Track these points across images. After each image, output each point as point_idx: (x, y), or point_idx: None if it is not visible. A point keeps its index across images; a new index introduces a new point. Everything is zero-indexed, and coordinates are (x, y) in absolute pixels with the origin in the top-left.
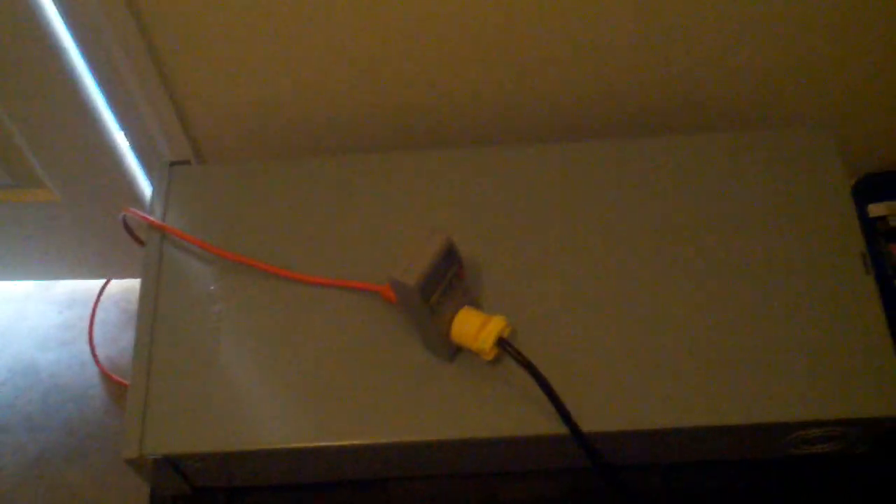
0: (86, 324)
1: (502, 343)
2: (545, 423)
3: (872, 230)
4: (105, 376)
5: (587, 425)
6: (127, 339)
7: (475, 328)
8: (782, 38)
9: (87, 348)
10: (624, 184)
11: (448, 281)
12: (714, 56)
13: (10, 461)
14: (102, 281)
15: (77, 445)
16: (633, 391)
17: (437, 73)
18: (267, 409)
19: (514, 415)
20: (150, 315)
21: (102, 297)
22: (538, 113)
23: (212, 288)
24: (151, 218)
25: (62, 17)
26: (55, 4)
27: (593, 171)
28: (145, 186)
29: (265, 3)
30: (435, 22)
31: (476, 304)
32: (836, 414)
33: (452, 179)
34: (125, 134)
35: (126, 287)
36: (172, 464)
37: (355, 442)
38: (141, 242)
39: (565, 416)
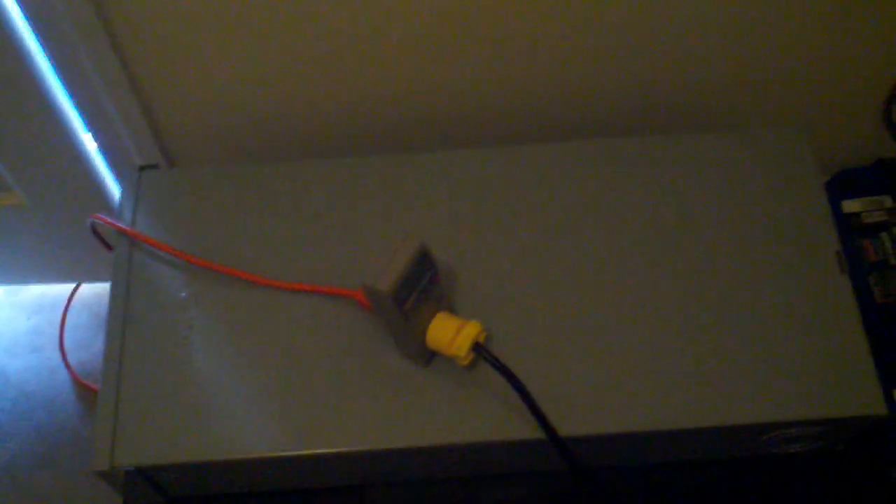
0: (56, 329)
1: (478, 348)
2: (522, 428)
3: (846, 226)
4: (76, 382)
5: (564, 429)
6: (98, 343)
7: (450, 334)
8: (754, 40)
9: (57, 354)
10: (597, 186)
11: (423, 286)
12: (686, 58)
13: None
14: (72, 285)
15: (48, 452)
16: (609, 394)
17: (408, 77)
18: (241, 418)
19: (492, 420)
20: (120, 323)
21: (73, 302)
22: (509, 114)
23: (183, 294)
24: (120, 224)
25: (27, 20)
26: (20, 7)
27: (567, 172)
28: (115, 190)
29: (235, 5)
30: (411, 20)
31: (451, 309)
32: (813, 414)
33: (427, 183)
34: (93, 137)
35: (97, 291)
36: (144, 475)
37: (331, 450)
38: (110, 248)
39: (542, 420)
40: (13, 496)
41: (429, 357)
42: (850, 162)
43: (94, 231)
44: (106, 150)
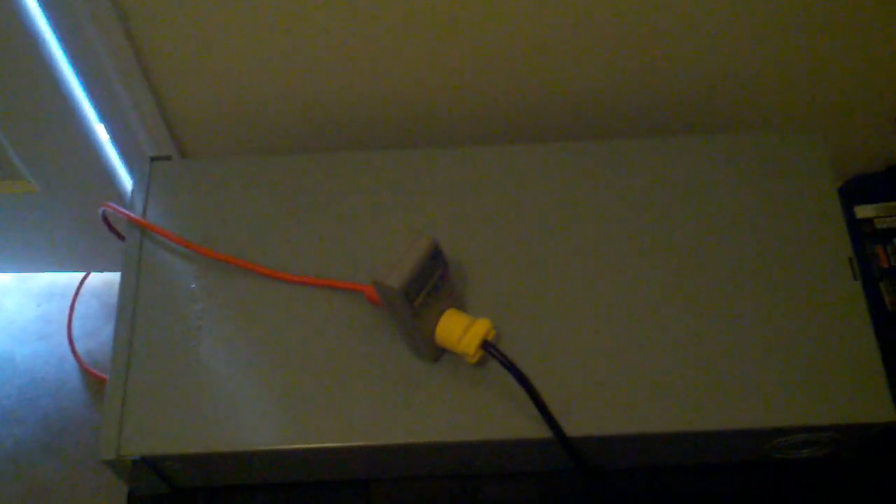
0: (64, 317)
1: (486, 346)
2: (529, 427)
3: (859, 232)
4: (84, 370)
5: (571, 429)
6: (107, 332)
7: (459, 331)
8: (769, 41)
9: (65, 342)
10: (611, 186)
11: (433, 283)
12: (701, 59)
13: None
14: (82, 274)
15: (54, 440)
16: (617, 395)
17: (423, 70)
18: (248, 410)
19: (498, 418)
20: (130, 313)
21: (82, 290)
22: (525, 112)
23: (193, 286)
24: (131, 214)
25: (42, 8)
26: None
27: (580, 172)
28: (126, 180)
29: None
30: (421, 18)
31: (461, 307)
32: (821, 420)
33: (439, 179)
34: (106, 127)
35: (106, 280)
36: (151, 464)
37: (337, 444)
38: (121, 237)
39: (550, 420)
40: (17, 483)
41: (437, 354)
42: (864, 168)
43: (106, 220)
44: (118, 140)
